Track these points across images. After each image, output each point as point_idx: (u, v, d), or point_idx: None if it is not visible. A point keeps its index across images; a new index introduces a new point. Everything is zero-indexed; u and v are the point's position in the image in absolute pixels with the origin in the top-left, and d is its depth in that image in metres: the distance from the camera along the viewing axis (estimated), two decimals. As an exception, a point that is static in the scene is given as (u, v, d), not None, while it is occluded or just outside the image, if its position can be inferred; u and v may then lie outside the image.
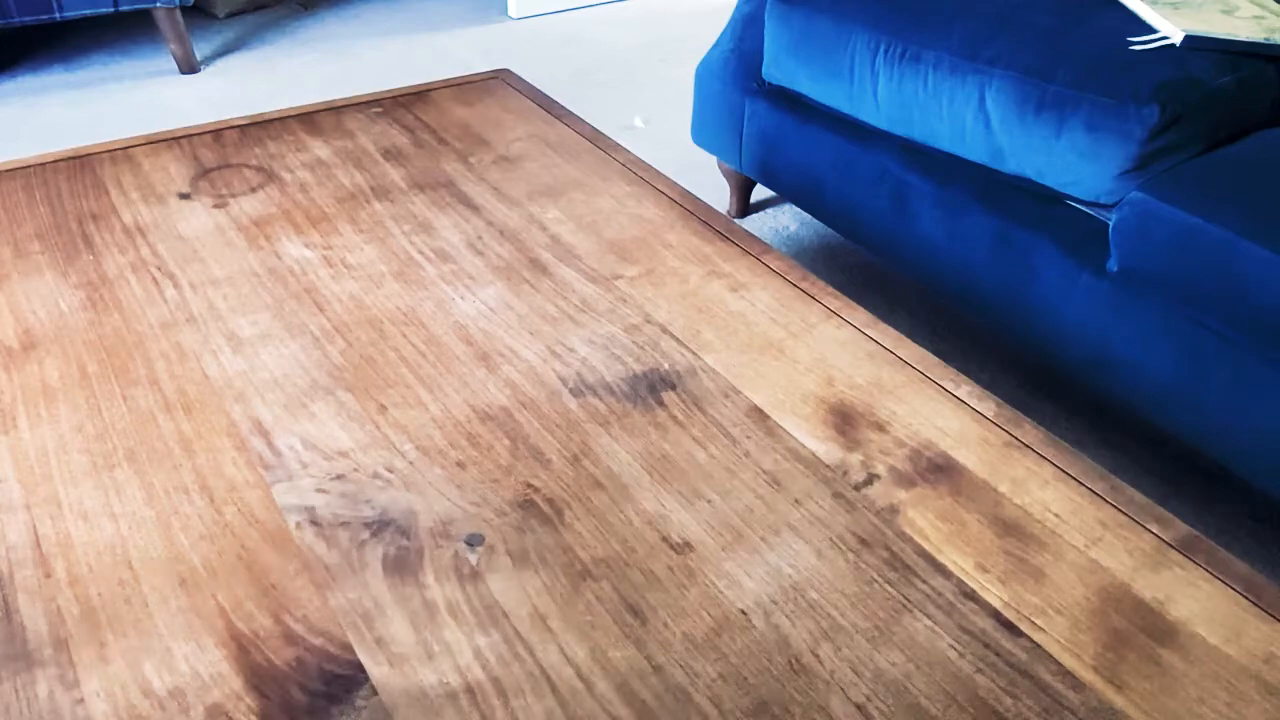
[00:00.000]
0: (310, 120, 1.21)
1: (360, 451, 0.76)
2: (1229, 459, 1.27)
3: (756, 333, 0.89)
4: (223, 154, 1.14)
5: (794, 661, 0.62)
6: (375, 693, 0.60)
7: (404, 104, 1.20)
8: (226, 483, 0.73)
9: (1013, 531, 0.70)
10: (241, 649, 0.62)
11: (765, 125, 1.79)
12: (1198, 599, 0.66)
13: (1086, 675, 0.61)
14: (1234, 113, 1.33)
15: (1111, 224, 1.33)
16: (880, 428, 0.79)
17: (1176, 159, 1.29)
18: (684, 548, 0.69)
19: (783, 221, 2.07)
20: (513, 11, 3.04)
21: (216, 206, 1.05)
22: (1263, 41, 1.36)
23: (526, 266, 0.97)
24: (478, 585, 0.66)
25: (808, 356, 0.86)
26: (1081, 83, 1.33)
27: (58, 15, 2.41)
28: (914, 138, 1.55)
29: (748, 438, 0.78)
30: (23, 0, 2.36)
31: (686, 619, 0.64)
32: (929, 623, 0.64)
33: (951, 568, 0.67)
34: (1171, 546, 0.69)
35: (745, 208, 2.09)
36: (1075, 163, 1.35)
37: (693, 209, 1.05)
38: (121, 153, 1.14)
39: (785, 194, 1.89)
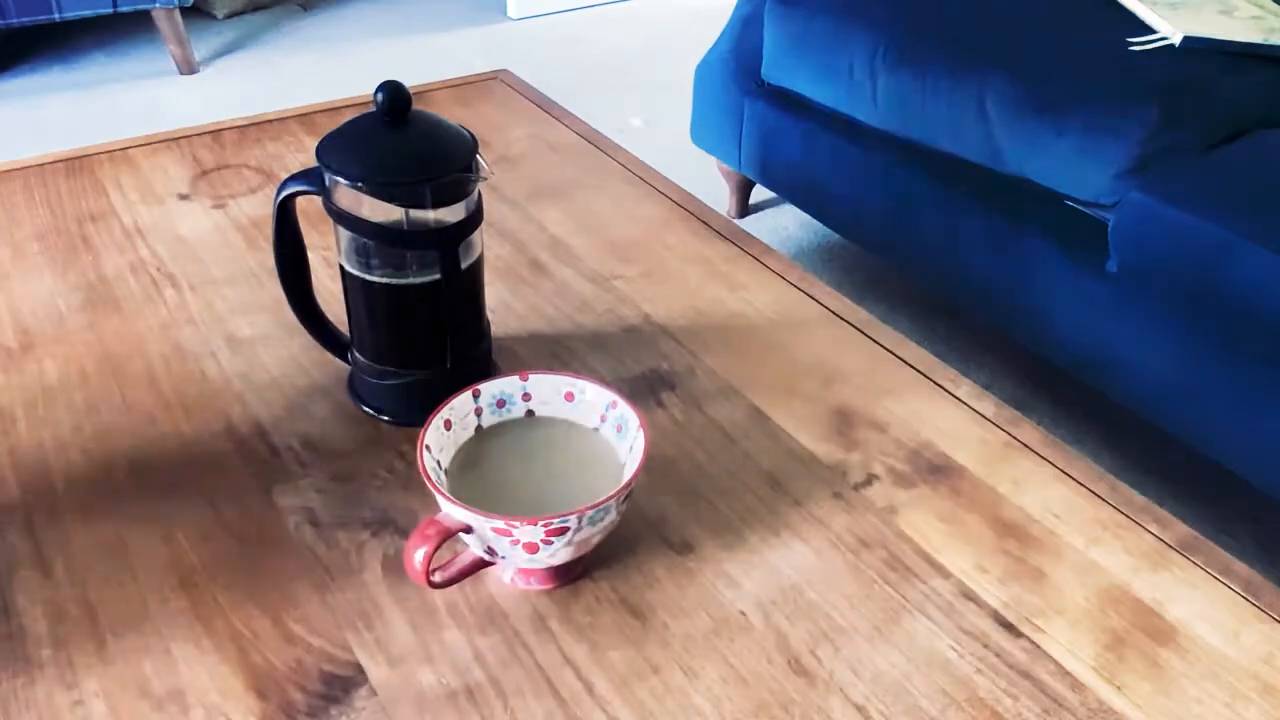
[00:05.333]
0: (310, 120, 1.21)
1: (360, 452, 0.76)
2: (1228, 459, 1.27)
3: (756, 333, 0.89)
4: (222, 155, 1.14)
5: (794, 662, 0.62)
6: (375, 693, 0.60)
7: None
8: (226, 483, 0.73)
9: (1012, 532, 0.70)
10: (241, 650, 0.62)
11: (765, 125, 1.79)
12: (1198, 599, 0.66)
13: (1086, 675, 0.61)
14: (1234, 113, 1.33)
15: (1111, 224, 1.33)
16: (879, 428, 0.79)
17: (1176, 159, 1.29)
18: (684, 548, 0.69)
19: (783, 222, 2.07)
20: (512, 12, 3.04)
21: (216, 207, 1.05)
22: (1261, 42, 1.36)
23: (526, 266, 0.97)
24: (477, 585, 0.66)
25: (808, 356, 0.86)
26: (1081, 83, 1.33)
27: (57, 15, 2.41)
28: (914, 138, 1.55)
29: (747, 438, 0.78)
30: (22, 0, 2.35)
31: (686, 619, 0.64)
32: (929, 623, 0.64)
33: (951, 568, 0.67)
34: (1171, 547, 0.69)
35: (745, 208, 2.09)
36: (1075, 163, 1.35)
37: (692, 209, 1.05)
38: (120, 153, 1.14)
39: (785, 194, 1.89)
